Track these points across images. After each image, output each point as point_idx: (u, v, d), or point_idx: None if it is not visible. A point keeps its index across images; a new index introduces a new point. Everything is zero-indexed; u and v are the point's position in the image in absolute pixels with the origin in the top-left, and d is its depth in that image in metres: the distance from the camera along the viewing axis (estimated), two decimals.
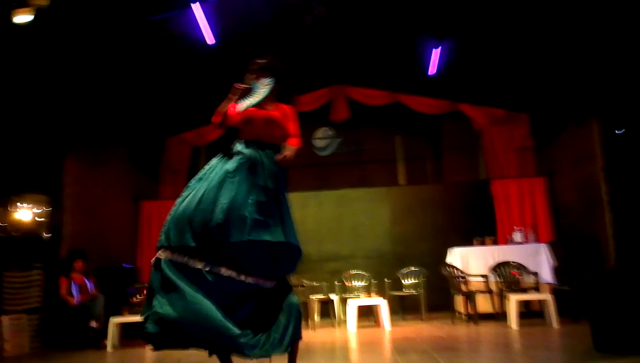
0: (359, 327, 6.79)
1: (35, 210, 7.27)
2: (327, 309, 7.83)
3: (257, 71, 3.42)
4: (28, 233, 7.15)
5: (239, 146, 3.33)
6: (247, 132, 3.36)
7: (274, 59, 3.49)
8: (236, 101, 3.37)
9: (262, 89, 3.35)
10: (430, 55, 7.64)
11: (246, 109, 3.34)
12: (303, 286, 7.68)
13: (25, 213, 7.21)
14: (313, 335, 6.62)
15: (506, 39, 7.06)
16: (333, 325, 7.42)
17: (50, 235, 7.17)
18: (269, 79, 3.39)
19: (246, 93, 3.36)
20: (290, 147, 3.32)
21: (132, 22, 6.27)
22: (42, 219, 7.28)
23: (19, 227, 7.14)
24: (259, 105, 3.35)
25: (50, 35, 5.84)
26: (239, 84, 3.35)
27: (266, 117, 3.33)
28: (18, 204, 7.15)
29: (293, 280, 7.85)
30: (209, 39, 6.71)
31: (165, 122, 9.20)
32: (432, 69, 7.84)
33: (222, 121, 3.40)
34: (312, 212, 9.23)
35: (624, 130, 6.87)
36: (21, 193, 7.18)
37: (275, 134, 3.36)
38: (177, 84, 7.93)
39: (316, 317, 7.34)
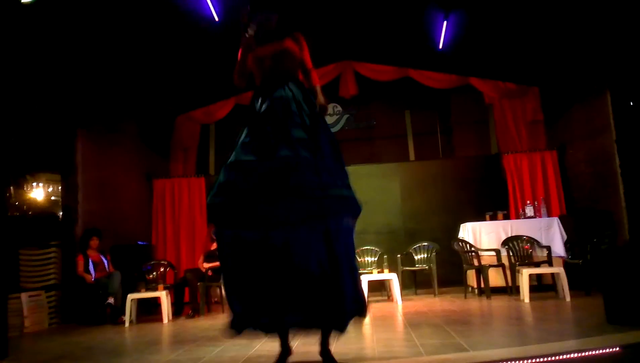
0: (372, 301, 6.87)
1: (49, 189, 7.35)
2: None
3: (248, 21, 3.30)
4: (43, 212, 7.25)
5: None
6: (262, 71, 3.27)
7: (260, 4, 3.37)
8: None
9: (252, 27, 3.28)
10: (439, 28, 7.55)
11: (255, 51, 3.27)
12: None
13: (39, 192, 7.29)
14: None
15: (516, 10, 6.96)
16: None
17: (65, 213, 7.25)
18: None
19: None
20: (319, 91, 3.27)
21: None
22: (56, 198, 7.37)
23: (33, 206, 7.23)
24: (267, 43, 3.29)
25: (60, 14, 5.83)
26: (247, 33, 3.24)
27: (282, 47, 3.27)
28: (32, 183, 7.23)
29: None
30: (215, 15, 6.67)
31: (174, 101, 9.22)
32: (442, 43, 7.76)
33: (239, 76, 3.33)
34: None
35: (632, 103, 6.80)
36: (35, 172, 7.25)
37: (288, 66, 3.29)
38: (186, 63, 7.92)
39: None
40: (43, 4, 5.58)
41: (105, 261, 7.07)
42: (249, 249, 2.90)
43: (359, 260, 7.90)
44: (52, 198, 7.39)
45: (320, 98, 3.23)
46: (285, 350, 3.21)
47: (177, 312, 7.07)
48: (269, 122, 3.09)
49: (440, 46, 7.87)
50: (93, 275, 6.82)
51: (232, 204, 2.95)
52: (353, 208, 3.09)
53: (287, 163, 2.94)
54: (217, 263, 7.33)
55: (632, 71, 6.66)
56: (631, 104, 6.88)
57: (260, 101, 3.22)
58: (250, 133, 3.15)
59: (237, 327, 2.96)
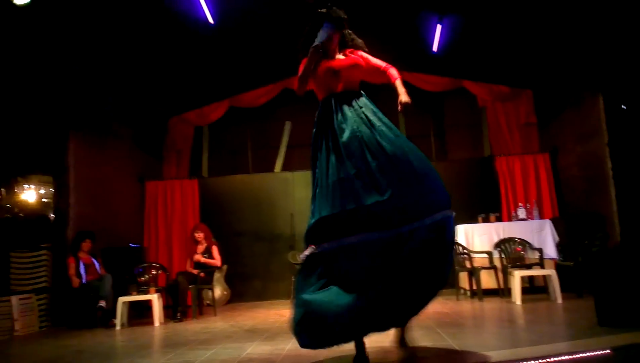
0: None
1: (41, 191, 7.31)
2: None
3: (319, 19, 3.41)
4: (34, 214, 7.21)
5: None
6: (332, 84, 3.35)
7: (336, 8, 3.43)
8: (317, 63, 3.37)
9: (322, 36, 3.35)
10: (433, 32, 7.56)
11: (326, 63, 3.36)
12: None
13: (30, 194, 7.25)
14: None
15: (509, 14, 6.99)
16: None
17: (56, 215, 7.21)
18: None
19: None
20: (400, 84, 3.34)
21: (133, 1, 6.22)
22: (47, 200, 7.32)
23: (25, 208, 7.19)
24: (329, 57, 3.38)
25: (52, 16, 5.80)
26: (315, 45, 3.32)
27: (350, 62, 3.37)
28: (24, 185, 7.19)
29: (298, 258, 7.93)
30: (210, 18, 6.66)
31: (167, 103, 9.20)
32: (436, 46, 7.78)
33: (300, 86, 3.43)
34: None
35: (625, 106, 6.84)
36: (26, 174, 7.21)
37: (358, 79, 3.42)
38: (179, 65, 7.90)
39: None
40: (36, 6, 5.56)
41: (96, 264, 7.03)
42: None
43: None
44: (44, 200, 7.35)
45: (403, 96, 3.30)
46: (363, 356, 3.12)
47: (170, 315, 7.04)
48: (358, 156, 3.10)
49: (434, 49, 7.89)
50: (84, 278, 6.78)
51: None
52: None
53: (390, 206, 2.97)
54: (209, 261, 7.32)
55: (624, 74, 6.70)
56: (623, 107, 6.92)
57: (340, 118, 3.24)
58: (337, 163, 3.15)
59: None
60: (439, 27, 7.49)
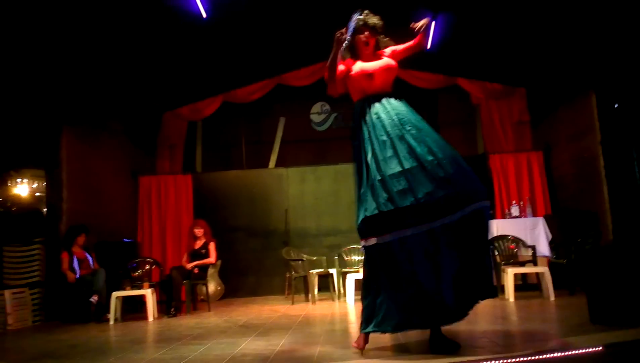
0: (358, 300, 6.87)
1: (34, 185, 7.27)
2: (326, 283, 7.92)
3: (357, 27, 3.60)
4: (27, 208, 7.17)
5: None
6: (368, 86, 3.53)
7: (372, 14, 3.67)
8: (343, 53, 3.55)
9: (350, 26, 3.56)
10: (427, 29, 7.55)
11: (362, 67, 3.54)
12: (302, 260, 7.76)
13: (23, 188, 7.21)
14: (313, 308, 6.71)
15: (503, 12, 7.00)
16: (332, 299, 7.51)
17: (49, 210, 7.18)
18: (356, 15, 3.60)
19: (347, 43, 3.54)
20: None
21: None
22: (40, 194, 7.29)
23: (17, 202, 7.15)
24: (367, 58, 3.59)
25: (46, 9, 5.76)
26: (339, 32, 3.45)
27: (386, 66, 3.56)
28: (17, 179, 7.15)
29: (292, 254, 7.94)
30: (203, 12, 6.63)
31: (161, 97, 9.16)
32: (430, 43, 7.78)
33: (331, 78, 3.58)
34: (310, 187, 9.27)
35: (618, 105, 6.87)
36: (19, 168, 7.17)
37: (392, 81, 3.62)
38: (173, 59, 7.87)
39: (315, 291, 7.43)
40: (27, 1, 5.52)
41: (90, 259, 7.01)
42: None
43: (346, 259, 7.92)
44: (37, 194, 7.31)
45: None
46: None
47: (163, 310, 7.03)
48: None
49: (428, 46, 7.89)
50: (77, 273, 6.76)
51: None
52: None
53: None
54: (203, 261, 7.32)
55: (617, 72, 6.74)
56: (616, 106, 6.96)
57: (375, 119, 3.42)
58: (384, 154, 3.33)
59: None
60: (433, 24, 7.49)
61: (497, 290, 3.39)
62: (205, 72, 8.63)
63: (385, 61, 3.60)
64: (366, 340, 3.42)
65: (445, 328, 3.37)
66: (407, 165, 3.20)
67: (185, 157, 9.94)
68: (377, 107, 3.45)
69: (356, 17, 3.60)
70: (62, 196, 7.23)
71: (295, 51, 8.77)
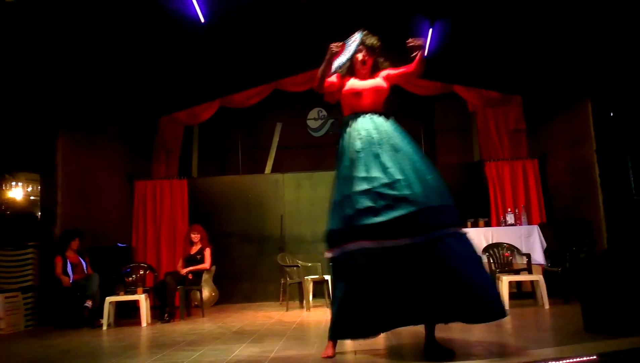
0: None
1: (29, 189, 7.25)
2: (321, 289, 7.90)
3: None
4: (21, 212, 7.14)
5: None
6: (356, 104, 3.64)
7: (370, 34, 3.76)
8: (332, 62, 3.63)
9: (352, 45, 3.62)
10: (424, 35, 7.58)
11: (352, 84, 3.66)
12: (297, 266, 7.74)
13: (18, 192, 7.19)
14: (307, 314, 6.69)
15: (500, 20, 7.03)
16: (327, 306, 7.49)
17: (43, 213, 7.15)
18: (359, 36, 3.68)
19: (341, 52, 3.65)
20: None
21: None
22: (35, 198, 7.26)
23: (12, 206, 7.12)
24: (362, 77, 3.70)
25: (43, 14, 5.76)
26: (333, 45, 3.57)
27: (374, 87, 3.65)
28: (11, 183, 7.13)
29: (287, 260, 7.92)
30: (201, 17, 6.64)
31: (157, 102, 9.14)
32: (427, 50, 7.80)
33: (319, 85, 3.67)
34: (306, 193, 9.26)
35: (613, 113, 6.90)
36: (14, 171, 7.15)
37: (381, 101, 3.69)
38: (170, 64, 7.86)
39: (310, 297, 7.41)
40: (26, 3, 5.51)
41: (83, 263, 6.98)
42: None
43: None
44: (31, 198, 7.29)
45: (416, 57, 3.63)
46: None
47: (157, 316, 7.00)
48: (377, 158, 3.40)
49: (425, 53, 7.90)
50: (71, 277, 6.73)
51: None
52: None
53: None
54: (198, 267, 7.29)
55: (613, 81, 6.77)
56: (611, 114, 6.99)
57: (355, 135, 3.51)
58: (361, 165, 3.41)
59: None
60: (430, 31, 7.52)
61: (498, 312, 3.24)
62: (203, 77, 8.63)
63: (376, 82, 3.70)
64: (334, 348, 3.50)
65: (440, 335, 3.36)
66: (375, 184, 3.26)
67: (181, 162, 9.92)
68: (360, 124, 3.54)
69: (356, 37, 3.68)
70: (57, 200, 7.20)
71: (292, 56, 8.78)
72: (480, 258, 3.45)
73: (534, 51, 7.46)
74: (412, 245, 3.16)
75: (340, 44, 3.61)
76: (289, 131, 10.62)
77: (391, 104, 11.35)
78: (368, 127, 3.51)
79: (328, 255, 3.45)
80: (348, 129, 3.58)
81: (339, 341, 3.60)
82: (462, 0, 6.83)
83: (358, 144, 3.45)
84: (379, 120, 3.58)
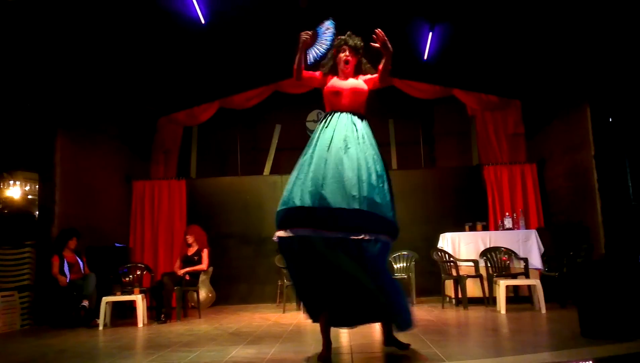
0: None
1: (26, 188, 7.24)
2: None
3: (338, 46, 3.81)
4: (19, 211, 7.13)
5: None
6: (335, 102, 3.74)
7: (354, 35, 3.85)
8: (306, 52, 3.76)
9: (326, 35, 3.72)
10: (424, 39, 7.61)
11: (333, 84, 3.75)
12: None
13: (16, 191, 7.18)
14: (304, 317, 6.68)
15: (500, 25, 7.05)
16: None
17: (41, 212, 7.14)
18: (329, 23, 3.79)
19: (313, 42, 3.77)
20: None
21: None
22: (33, 197, 7.25)
23: (9, 204, 7.11)
24: (344, 77, 3.77)
25: (40, 13, 5.76)
26: (303, 33, 3.67)
27: (353, 89, 3.74)
28: (9, 181, 7.11)
29: (282, 263, 7.91)
30: (201, 17, 6.64)
31: (156, 102, 9.15)
32: (427, 54, 7.82)
33: (297, 75, 3.80)
34: None
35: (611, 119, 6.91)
36: (12, 170, 7.14)
37: (360, 102, 3.77)
38: (170, 64, 7.87)
39: None
40: (27, 3, 5.52)
41: (80, 263, 6.96)
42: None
43: None
44: (29, 197, 7.27)
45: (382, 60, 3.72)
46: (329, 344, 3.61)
47: (154, 316, 6.99)
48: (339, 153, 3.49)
49: (425, 57, 7.93)
50: (68, 277, 6.71)
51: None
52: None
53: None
54: (195, 267, 7.28)
55: (612, 86, 6.78)
56: (610, 120, 6.99)
57: (330, 129, 3.62)
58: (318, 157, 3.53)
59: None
60: (430, 35, 7.53)
61: (403, 324, 3.43)
62: (202, 78, 8.63)
63: (357, 83, 3.78)
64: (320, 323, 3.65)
65: (435, 338, 3.36)
66: (328, 174, 3.37)
67: (180, 162, 9.92)
68: (335, 120, 3.64)
69: (328, 25, 3.81)
70: (55, 199, 7.19)
71: (292, 58, 8.78)
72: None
73: (533, 56, 7.48)
74: (342, 239, 3.28)
75: (311, 32, 3.70)
76: (288, 132, 10.62)
77: (391, 108, 11.44)
78: (342, 124, 3.60)
79: (276, 235, 3.53)
80: (323, 123, 3.69)
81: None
82: (462, 5, 6.84)
83: (327, 139, 3.54)
84: (354, 119, 3.65)
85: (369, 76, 3.84)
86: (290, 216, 3.40)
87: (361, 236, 3.27)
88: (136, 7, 6.32)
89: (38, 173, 7.20)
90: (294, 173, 3.57)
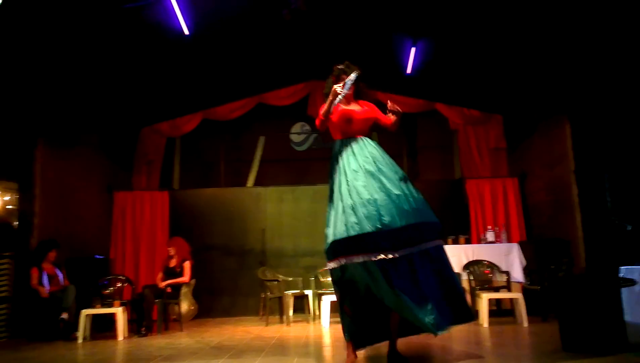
0: (333, 322, 6.83)
1: (6, 198, 7.12)
2: (301, 304, 7.86)
3: (337, 76, 3.93)
4: None
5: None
6: (347, 129, 3.87)
7: (351, 64, 3.98)
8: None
9: (348, 82, 3.82)
10: (407, 53, 7.69)
11: (343, 110, 3.87)
12: (278, 281, 7.69)
13: None
14: (287, 330, 6.64)
15: (482, 41, 7.14)
16: (307, 321, 7.45)
17: (20, 223, 7.02)
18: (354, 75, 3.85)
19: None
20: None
21: (106, 9, 6.15)
22: (12, 207, 7.14)
23: None
24: (345, 103, 3.89)
25: (22, 22, 5.70)
26: (338, 86, 3.77)
27: (365, 116, 3.91)
28: None
29: (267, 274, 7.87)
30: (185, 29, 6.63)
31: (139, 113, 9.09)
32: (410, 68, 7.90)
33: (323, 124, 3.86)
34: (288, 207, 9.23)
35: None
36: None
37: (369, 127, 3.97)
38: (152, 74, 7.83)
39: (290, 312, 7.36)
40: (7, 12, 5.45)
41: (60, 275, 6.85)
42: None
43: (322, 280, 7.87)
44: (8, 207, 7.15)
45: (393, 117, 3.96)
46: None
47: (134, 329, 6.89)
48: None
49: (408, 71, 8.00)
50: (47, 289, 6.60)
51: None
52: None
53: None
54: (176, 280, 7.21)
55: (591, 102, 6.89)
56: (589, 135, 7.10)
57: (350, 154, 3.75)
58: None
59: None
60: (413, 50, 7.61)
61: (472, 315, 3.73)
62: (186, 88, 8.61)
63: (366, 112, 3.95)
64: (354, 350, 3.71)
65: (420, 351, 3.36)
66: (376, 196, 3.45)
67: (163, 173, 9.85)
68: (353, 146, 3.78)
69: (352, 76, 3.86)
70: (34, 209, 7.09)
71: (276, 71, 8.82)
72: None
73: (515, 71, 7.59)
74: (410, 254, 3.45)
75: (342, 84, 3.79)
76: (272, 144, 10.62)
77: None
78: (361, 147, 3.76)
79: (331, 265, 3.58)
80: (342, 151, 3.80)
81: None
82: (445, 20, 6.93)
83: (354, 162, 3.68)
84: (368, 142, 3.83)
85: (376, 113, 4.03)
86: (354, 243, 3.42)
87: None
88: (119, 17, 6.29)
89: (17, 182, 7.09)
90: (337, 203, 3.61)
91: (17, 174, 7.07)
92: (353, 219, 3.41)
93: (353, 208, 3.44)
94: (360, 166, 3.62)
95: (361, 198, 3.45)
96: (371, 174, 3.57)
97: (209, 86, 8.74)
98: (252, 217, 9.22)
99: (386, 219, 3.36)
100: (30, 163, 7.14)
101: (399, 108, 3.91)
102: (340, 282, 3.65)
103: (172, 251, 7.43)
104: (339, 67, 3.97)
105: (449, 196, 9.18)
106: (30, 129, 7.14)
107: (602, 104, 6.69)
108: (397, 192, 3.48)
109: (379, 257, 3.33)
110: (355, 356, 3.69)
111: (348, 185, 3.57)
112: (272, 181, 9.96)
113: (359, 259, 3.39)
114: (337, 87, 3.73)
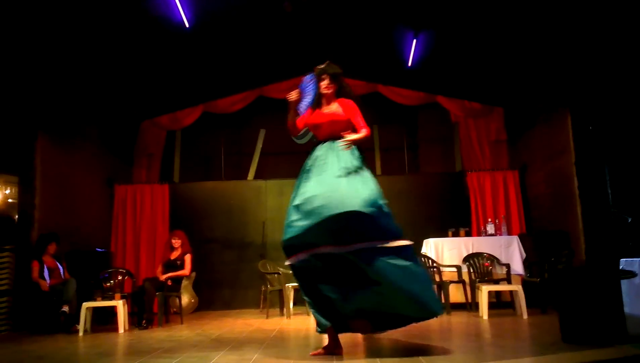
0: None
1: (7, 191, 7.12)
2: (301, 297, 7.84)
3: (318, 76, 4.07)
4: None
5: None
6: (318, 134, 4.08)
7: (332, 63, 4.12)
8: (297, 108, 4.14)
9: (309, 86, 4.03)
10: (408, 46, 7.66)
11: (308, 119, 4.07)
12: (278, 273, 7.70)
13: None
14: (287, 322, 6.66)
15: (483, 33, 7.12)
16: (307, 313, 7.45)
17: (20, 216, 7.03)
18: (309, 77, 4.12)
19: (300, 98, 4.10)
20: (357, 136, 3.96)
21: (107, 1, 6.14)
22: (12, 200, 7.14)
23: None
24: (321, 107, 4.05)
25: (22, 15, 5.69)
26: (289, 95, 4.00)
27: (330, 119, 4.01)
28: None
29: (268, 267, 7.88)
30: (185, 21, 6.61)
31: (140, 106, 9.09)
32: (411, 61, 7.88)
33: (292, 131, 4.17)
34: (288, 200, 9.11)
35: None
36: None
37: (339, 129, 4.01)
38: (153, 67, 7.82)
39: (291, 305, 7.37)
40: (7, 4, 5.45)
41: (60, 268, 6.86)
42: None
43: None
44: (9, 200, 7.16)
45: (354, 137, 3.95)
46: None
47: (135, 322, 6.90)
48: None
49: (410, 64, 7.98)
50: (48, 282, 6.61)
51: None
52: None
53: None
54: (177, 273, 7.23)
55: (592, 94, 6.87)
56: (590, 127, 7.08)
57: (320, 155, 3.96)
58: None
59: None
60: (414, 42, 7.59)
61: (434, 311, 3.87)
62: (186, 81, 8.60)
63: (333, 115, 4.03)
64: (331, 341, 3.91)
65: (417, 342, 3.36)
66: (318, 191, 3.68)
67: (163, 166, 9.85)
68: (321, 149, 3.98)
69: (307, 79, 4.13)
70: (35, 203, 7.09)
71: (277, 63, 8.79)
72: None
73: (516, 64, 7.57)
74: (353, 251, 3.65)
75: (296, 91, 4.01)
76: (272, 137, 10.60)
77: (375, 113, 11.44)
78: (326, 151, 3.93)
79: (288, 262, 3.89)
80: (312, 152, 4.04)
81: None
82: (446, 13, 6.90)
83: (313, 165, 3.92)
84: (335, 146, 3.92)
85: (353, 112, 4.07)
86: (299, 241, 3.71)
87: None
88: (120, 10, 6.27)
89: (18, 176, 7.08)
90: (295, 200, 3.82)
91: (17, 167, 7.06)
92: (295, 217, 3.72)
93: (296, 207, 3.73)
94: (315, 168, 3.87)
95: (304, 196, 3.71)
96: (313, 174, 3.82)
97: (210, 79, 8.72)
98: (253, 210, 9.23)
99: (324, 214, 3.56)
100: (31, 156, 7.13)
101: (348, 142, 3.90)
102: (298, 277, 3.93)
103: (177, 243, 7.43)
104: (320, 67, 4.05)
105: (449, 189, 9.18)
106: (31, 123, 7.13)
107: (603, 96, 6.67)
108: (341, 190, 3.63)
109: (321, 251, 3.64)
110: (335, 345, 3.87)
111: (300, 187, 3.85)
112: (272, 174, 9.95)
113: (305, 256, 3.70)
114: (292, 95, 3.96)
